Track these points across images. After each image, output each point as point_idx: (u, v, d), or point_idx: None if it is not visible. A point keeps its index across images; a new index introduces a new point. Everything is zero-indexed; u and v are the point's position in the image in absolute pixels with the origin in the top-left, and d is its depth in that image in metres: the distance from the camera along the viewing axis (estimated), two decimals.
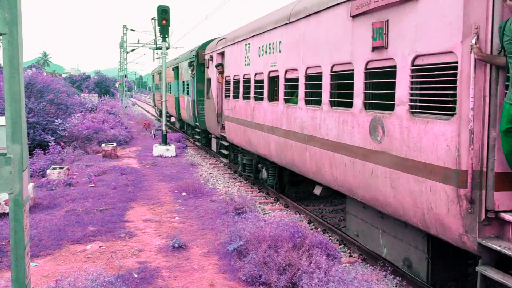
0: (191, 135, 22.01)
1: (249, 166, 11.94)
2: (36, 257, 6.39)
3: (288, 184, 10.46)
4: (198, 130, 19.15)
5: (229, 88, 12.29)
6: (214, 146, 16.31)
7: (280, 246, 5.66)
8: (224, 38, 13.16)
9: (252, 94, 10.31)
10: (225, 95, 12.84)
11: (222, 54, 13.39)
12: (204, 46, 16.71)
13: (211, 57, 14.45)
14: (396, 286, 5.75)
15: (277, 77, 8.92)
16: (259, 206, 9.90)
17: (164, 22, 17.07)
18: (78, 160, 14.86)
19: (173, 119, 30.13)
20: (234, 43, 11.78)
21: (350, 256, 7.06)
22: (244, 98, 10.93)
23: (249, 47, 10.57)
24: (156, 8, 17.24)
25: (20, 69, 2.47)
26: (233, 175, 13.67)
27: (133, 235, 7.37)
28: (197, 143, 20.10)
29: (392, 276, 5.80)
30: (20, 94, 2.48)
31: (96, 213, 8.55)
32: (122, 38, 49.48)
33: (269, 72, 9.24)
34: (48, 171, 11.82)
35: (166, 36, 17.61)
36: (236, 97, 11.69)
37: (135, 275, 5.69)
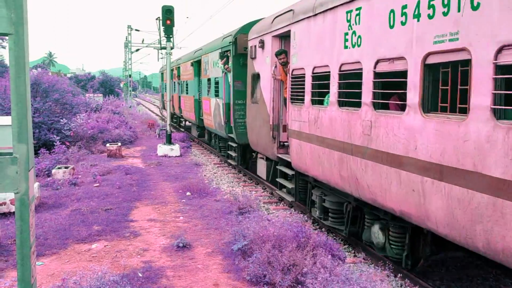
0: (217, 148, 16.69)
1: (337, 213, 7.70)
2: (42, 256, 6.43)
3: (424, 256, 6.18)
4: (233, 145, 14.13)
5: (302, 88, 8.15)
6: (262, 172, 11.29)
7: (284, 246, 5.66)
8: (291, 10, 8.74)
9: (368, 99, 5.98)
10: (292, 99, 8.66)
11: (283, 37, 9.54)
12: (245, 29, 12.26)
13: (262, 42, 10.30)
14: (400, 286, 5.75)
15: (458, 63, 4.59)
16: (263, 206, 9.90)
17: (168, 22, 17.13)
18: (83, 159, 14.94)
19: (188, 123, 25.00)
20: (316, 15, 7.49)
21: (355, 256, 7.04)
22: (342, 104, 6.78)
23: (358, 15, 6.26)
24: (160, 8, 17.31)
25: (26, 69, 2.49)
26: (237, 175, 13.67)
27: (138, 235, 7.39)
28: (230, 161, 14.63)
29: (396, 276, 5.79)
30: (26, 94, 2.49)
31: (101, 212, 8.59)
32: (126, 38, 49.61)
33: (426, 55, 4.90)
34: (53, 171, 11.88)
35: (171, 36, 17.68)
36: (317, 102, 7.68)
37: (140, 275, 5.71)
